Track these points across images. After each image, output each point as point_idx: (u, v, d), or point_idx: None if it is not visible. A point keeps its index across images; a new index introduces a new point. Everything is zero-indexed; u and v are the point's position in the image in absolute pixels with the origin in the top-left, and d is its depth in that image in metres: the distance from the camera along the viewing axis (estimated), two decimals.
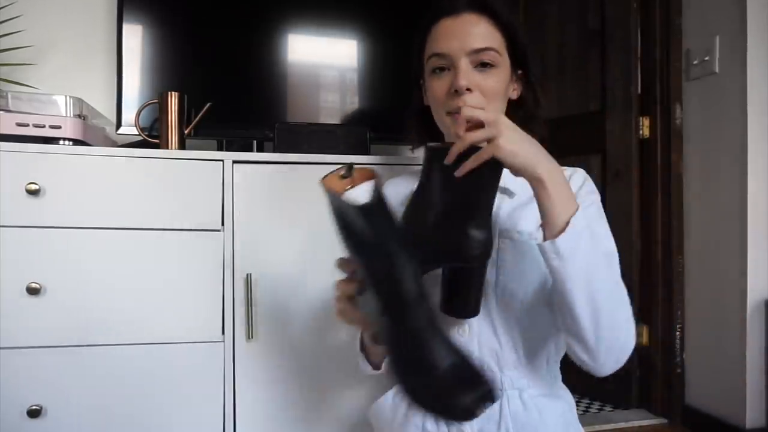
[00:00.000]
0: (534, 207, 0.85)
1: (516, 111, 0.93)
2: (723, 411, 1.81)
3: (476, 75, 0.85)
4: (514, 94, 0.92)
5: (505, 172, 0.87)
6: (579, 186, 0.88)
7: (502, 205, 0.88)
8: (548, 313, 0.86)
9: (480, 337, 0.86)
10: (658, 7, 2.00)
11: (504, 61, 0.88)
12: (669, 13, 1.98)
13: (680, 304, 1.98)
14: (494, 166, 0.70)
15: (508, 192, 0.89)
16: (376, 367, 0.95)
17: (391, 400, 0.96)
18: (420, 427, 0.88)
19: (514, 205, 0.88)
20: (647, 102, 2.05)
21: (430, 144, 0.77)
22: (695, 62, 1.89)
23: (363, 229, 0.63)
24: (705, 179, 1.90)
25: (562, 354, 0.92)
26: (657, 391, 2.02)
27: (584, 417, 2.01)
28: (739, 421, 1.74)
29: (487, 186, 0.72)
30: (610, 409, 2.07)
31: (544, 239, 0.73)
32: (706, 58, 1.85)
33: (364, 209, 0.62)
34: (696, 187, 1.94)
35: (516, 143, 0.69)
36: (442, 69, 0.87)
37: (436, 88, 0.88)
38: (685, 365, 1.98)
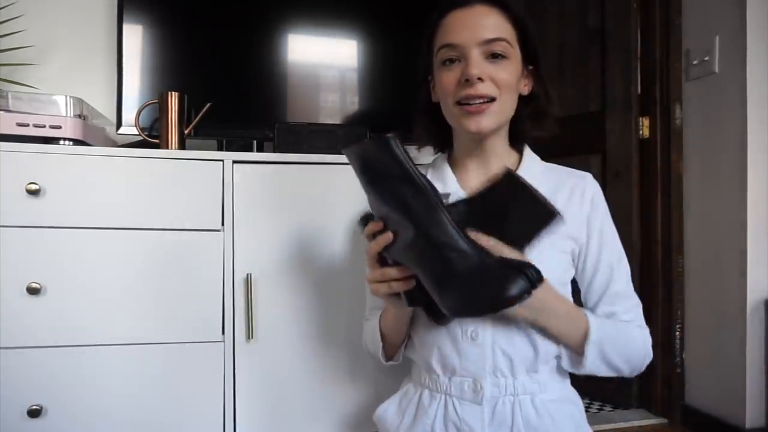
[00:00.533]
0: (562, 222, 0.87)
1: (526, 107, 0.92)
2: (723, 411, 1.81)
3: (488, 65, 0.85)
4: (525, 90, 0.92)
5: (522, 176, 0.89)
6: (590, 200, 0.90)
7: None
8: None
9: (494, 343, 0.85)
10: (658, 7, 2.00)
11: (515, 54, 0.87)
12: (669, 13, 1.98)
13: (680, 304, 1.98)
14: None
15: None
16: (390, 357, 0.96)
17: (397, 404, 0.95)
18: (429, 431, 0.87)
19: None
20: (647, 102, 2.05)
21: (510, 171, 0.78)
22: (695, 62, 1.89)
23: (397, 161, 0.71)
24: (705, 179, 1.89)
25: None
26: (657, 391, 2.02)
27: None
28: (739, 421, 1.74)
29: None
30: (610, 409, 2.07)
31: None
32: (706, 58, 1.85)
33: (394, 139, 0.71)
34: (696, 187, 1.94)
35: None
36: (452, 61, 0.87)
37: (446, 79, 0.87)
38: (685, 365, 1.98)
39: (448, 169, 0.94)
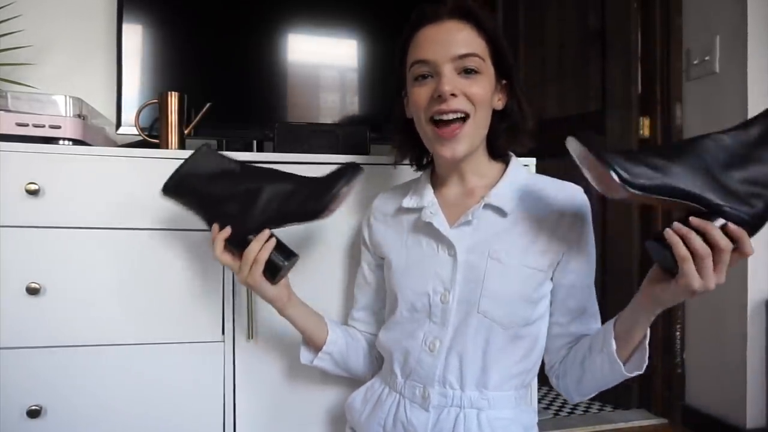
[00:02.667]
0: (523, 230, 0.86)
1: (500, 122, 0.92)
2: (723, 411, 1.81)
3: (461, 81, 0.85)
4: (499, 105, 0.91)
5: (500, 192, 0.89)
6: (571, 217, 0.88)
7: (493, 225, 0.88)
8: (525, 338, 0.88)
9: (448, 355, 0.87)
10: (658, 7, 2.00)
11: (488, 68, 0.87)
12: (669, 13, 1.98)
13: (680, 304, 1.98)
14: None
15: (501, 212, 0.88)
16: (317, 349, 1.01)
17: (363, 394, 0.99)
18: (382, 425, 0.92)
19: (505, 226, 0.88)
20: (647, 102, 2.06)
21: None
22: (695, 62, 1.90)
23: (220, 159, 0.95)
24: None
25: (533, 378, 0.94)
26: (657, 391, 2.02)
27: (584, 417, 2.01)
28: (739, 421, 1.75)
29: None
30: (610, 409, 2.07)
31: (616, 341, 0.79)
32: (706, 58, 1.85)
33: (206, 151, 0.97)
34: None
35: None
36: (425, 76, 0.87)
37: (418, 95, 0.87)
38: (685, 365, 1.98)
39: (428, 185, 0.96)
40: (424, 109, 0.87)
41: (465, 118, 0.85)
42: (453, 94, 0.83)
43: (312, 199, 0.88)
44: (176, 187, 0.94)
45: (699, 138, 0.72)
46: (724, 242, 0.66)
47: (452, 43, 0.84)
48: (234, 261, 0.91)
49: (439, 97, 0.84)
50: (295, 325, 0.99)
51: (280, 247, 0.91)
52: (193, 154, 0.94)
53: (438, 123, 0.86)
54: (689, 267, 0.66)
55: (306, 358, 1.02)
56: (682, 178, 0.69)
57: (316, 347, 1.01)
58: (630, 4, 2.06)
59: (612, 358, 0.79)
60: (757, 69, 1.72)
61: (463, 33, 0.85)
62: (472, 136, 0.87)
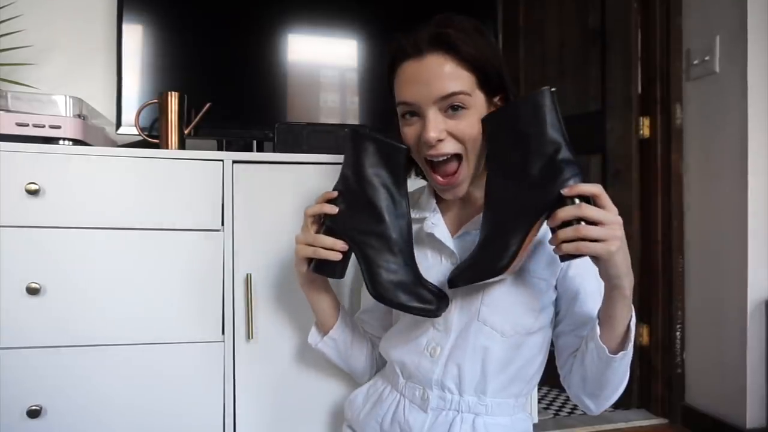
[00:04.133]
0: (542, 248, 0.86)
1: None
2: (723, 411, 1.81)
3: (447, 121, 0.83)
4: None
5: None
6: None
7: None
8: (527, 347, 0.88)
9: (448, 361, 0.87)
10: (658, 7, 2.00)
11: (475, 100, 0.84)
12: (669, 13, 1.98)
13: (680, 304, 1.98)
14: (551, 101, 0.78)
15: None
16: (326, 332, 1.01)
17: (366, 392, 1.00)
18: (379, 422, 0.93)
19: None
20: (647, 102, 2.05)
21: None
22: (695, 62, 1.89)
23: (398, 170, 0.86)
24: (705, 179, 1.90)
25: (533, 388, 0.94)
26: (657, 391, 2.02)
27: (584, 417, 2.01)
28: (740, 421, 1.75)
29: (554, 118, 0.78)
30: (611, 409, 2.07)
31: (601, 335, 0.78)
32: (706, 58, 1.85)
33: (406, 150, 0.87)
34: (696, 187, 1.94)
35: (623, 254, 0.72)
36: (412, 114, 0.86)
37: (408, 134, 0.87)
38: (685, 365, 1.98)
39: (431, 197, 0.96)
40: (416, 148, 0.87)
41: (458, 158, 0.85)
42: (440, 139, 0.83)
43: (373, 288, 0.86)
44: (364, 141, 0.87)
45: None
46: (581, 210, 0.70)
47: (435, 82, 0.82)
48: (312, 225, 0.89)
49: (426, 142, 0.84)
50: (311, 303, 1.00)
51: (343, 262, 0.89)
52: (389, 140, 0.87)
53: (433, 163, 0.86)
54: (589, 250, 0.70)
55: (313, 339, 1.03)
56: (519, 219, 0.76)
57: (325, 331, 1.01)
58: (630, 4, 2.06)
59: (598, 343, 0.77)
60: (757, 69, 1.72)
61: (445, 68, 0.82)
62: (469, 171, 0.87)
